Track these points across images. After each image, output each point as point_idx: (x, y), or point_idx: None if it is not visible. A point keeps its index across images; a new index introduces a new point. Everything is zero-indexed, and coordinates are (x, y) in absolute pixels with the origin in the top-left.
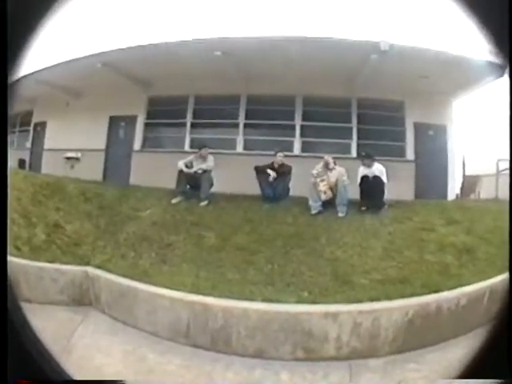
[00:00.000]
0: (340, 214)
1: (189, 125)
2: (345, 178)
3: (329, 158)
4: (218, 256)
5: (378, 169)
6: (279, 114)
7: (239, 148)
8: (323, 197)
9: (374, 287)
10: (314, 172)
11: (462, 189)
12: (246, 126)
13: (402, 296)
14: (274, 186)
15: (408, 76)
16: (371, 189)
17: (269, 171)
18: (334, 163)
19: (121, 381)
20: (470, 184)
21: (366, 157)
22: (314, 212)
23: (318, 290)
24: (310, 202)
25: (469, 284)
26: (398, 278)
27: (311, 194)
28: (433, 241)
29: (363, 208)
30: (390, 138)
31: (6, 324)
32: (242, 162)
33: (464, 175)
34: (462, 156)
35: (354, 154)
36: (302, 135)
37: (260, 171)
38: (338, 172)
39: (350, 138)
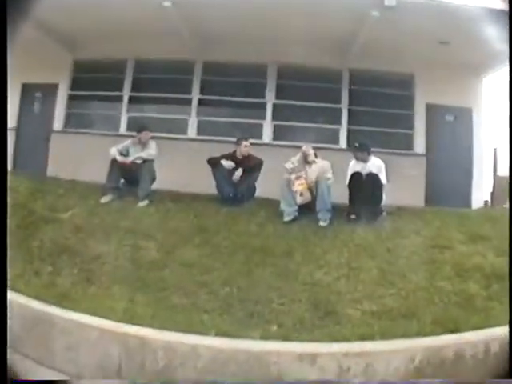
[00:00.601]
0: (322, 223)
1: (126, 99)
2: (329, 174)
3: (308, 148)
4: (160, 275)
5: (374, 164)
6: (245, 89)
7: (191, 132)
8: (299, 199)
9: (366, 321)
10: (289, 166)
11: (492, 194)
12: (200, 102)
13: (406, 335)
14: (236, 184)
15: (420, 41)
16: (364, 190)
17: (228, 164)
18: (316, 155)
19: (66, 380)
20: (503, 188)
21: (359, 148)
22: (287, 219)
23: (290, 323)
24: (282, 206)
25: (501, 323)
26: (400, 311)
27: (284, 196)
28: (449, 262)
29: (353, 216)
30: (393, 123)
31: (6, 324)
32: (195, 150)
33: (495, 176)
34: (494, 150)
35: (343, 143)
36: (274, 117)
37: (217, 164)
38: (321, 167)
39: (339, 122)
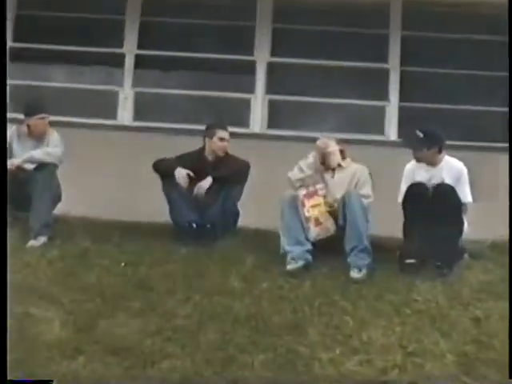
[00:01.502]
0: (354, 274)
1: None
2: (366, 188)
3: (328, 141)
4: (67, 370)
5: (449, 169)
6: (221, 38)
7: (124, 115)
8: (314, 232)
9: None
10: (295, 176)
11: None
12: (139, 62)
13: None
14: (203, 206)
15: None
16: (432, 214)
17: (184, 175)
18: (343, 154)
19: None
20: None
21: (422, 140)
22: (292, 267)
23: None
24: (286, 244)
25: None
26: None
27: (288, 226)
28: None
29: (410, 260)
30: (482, 97)
31: (6, 323)
32: (131, 146)
33: None
34: None
35: (391, 132)
36: (269, 88)
37: (170, 172)
38: (351, 175)
39: (384, 95)
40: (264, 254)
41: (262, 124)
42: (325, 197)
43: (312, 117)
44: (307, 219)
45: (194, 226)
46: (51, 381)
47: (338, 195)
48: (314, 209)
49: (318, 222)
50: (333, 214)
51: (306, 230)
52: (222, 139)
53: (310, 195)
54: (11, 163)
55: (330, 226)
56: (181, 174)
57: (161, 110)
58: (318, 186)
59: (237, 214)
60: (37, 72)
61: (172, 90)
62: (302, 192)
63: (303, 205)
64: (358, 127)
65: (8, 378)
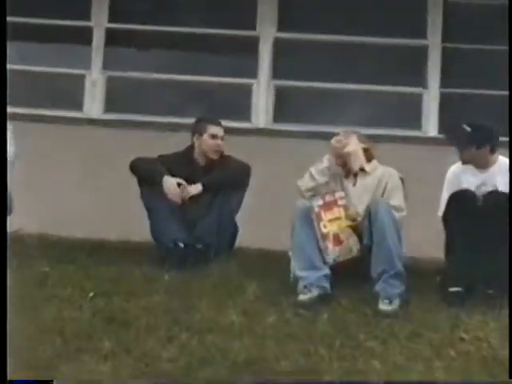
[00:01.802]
0: (384, 306)
1: None
2: (397, 198)
3: (347, 136)
4: None
5: (505, 173)
6: (212, 9)
7: (92, 106)
8: (333, 252)
9: None
10: (307, 184)
11: None
12: (111, 38)
13: None
14: (192, 220)
15: None
16: (483, 230)
17: (174, 186)
18: (368, 153)
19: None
20: None
21: (471, 137)
22: (305, 298)
23: None
24: (297, 269)
25: None
26: None
27: (300, 246)
28: None
29: (455, 289)
30: None
31: (6, 324)
32: (100, 144)
33: None
34: None
35: (430, 127)
36: (275, 72)
37: (150, 175)
38: (378, 180)
39: (421, 80)
40: (269, 280)
41: (267, 117)
42: (346, 208)
43: (329, 107)
44: (324, 237)
45: (181, 245)
46: (51, 381)
47: (361, 207)
48: (332, 223)
49: (337, 241)
50: (356, 229)
51: (322, 251)
52: (214, 136)
53: (327, 206)
54: None
55: (352, 245)
56: (170, 184)
57: (138, 100)
58: (338, 195)
59: (234, 230)
60: None
61: (152, 74)
62: (318, 202)
63: (319, 218)
64: (387, 120)
65: (8, 379)
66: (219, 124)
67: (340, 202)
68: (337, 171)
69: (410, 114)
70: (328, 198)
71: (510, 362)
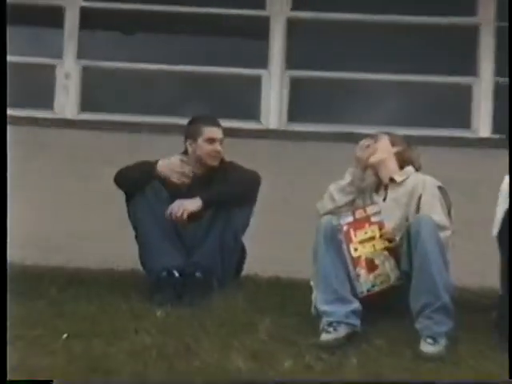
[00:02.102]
0: (428, 348)
1: None
2: (438, 215)
3: (374, 142)
4: None
5: None
6: None
7: (66, 104)
8: (367, 283)
9: None
10: (326, 206)
11: None
12: (86, 21)
13: None
14: (190, 243)
15: None
16: None
17: (164, 195)
18: (401, 156)
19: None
20: None
21: None
22: (329, 338)
23: None
24: (320, 301)
25: None
26: None
27: (325, 273)
28: None
29: None
30: None
31: (6, 324)
32: (75, 150)
33: None
34: None
35: (480, 125)
36: (289, 59)
37: (140, 190)
38: (409, 189)
39: (470, 67)
40: (284, 316)
41: (280, 116)
42: (381, 226)
43: (356, 103)
44: (355, 261)
45: (177, 274)
46: (51, 381)
47: (397, 222)
48: (365, 245)
49: (371, 266)
50: (393, 252)
51: (352, 279)
52: (211, 140)
53: (358, 224)
54: None
55: (390, 271)
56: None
57: (121, 96)
58: (371, 210)
59: (241, 254)
60: None
61: (139, 64)
62: (347, 219)
63: (349, 239)
64: (428, 118)
65: (8, 379)
66: (217, 124)
67: (373, 219)
68: (364, 185)
69: (456, 109)
70: (359, 215)
71: (510, 361)
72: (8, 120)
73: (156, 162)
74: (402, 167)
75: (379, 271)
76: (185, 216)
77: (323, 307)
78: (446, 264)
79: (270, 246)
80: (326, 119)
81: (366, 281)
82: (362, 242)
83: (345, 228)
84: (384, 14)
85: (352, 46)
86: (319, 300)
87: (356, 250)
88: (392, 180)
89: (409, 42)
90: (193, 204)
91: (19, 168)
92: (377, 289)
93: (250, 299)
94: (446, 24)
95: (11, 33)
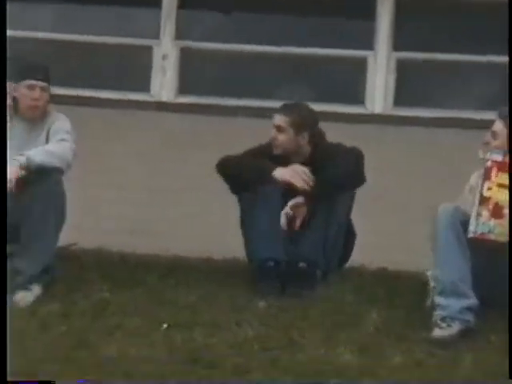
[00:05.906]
0: None
1: None
2: None
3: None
4: None
5: None
6: None
7: (162, 81)
8: (483, 225)
9: None
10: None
11: None
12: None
13: None
14: (292, 233)
15: None
16: None
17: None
18: None
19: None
20: None
21: None
22: (442, 334)
23: None
24: (439, 295)
25: None
26: None
27: (446, 261)
28: None
29: None
30: None
31: (6, 324)
32: (171, 134)
33: None
34: None
35: None
36: (399, 38)
37: (255, 175)
38: None
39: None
40: (393, 308)
41: (386, 100)
42: None
43: (473, 85)
44: (484, 201)
45: (272, 264)
46: (53, 382)
47: None
48: (501, 191)
49: (498, 213)
50: None
51: (471, 216)
52: (278, 127)
53: (503, 166)
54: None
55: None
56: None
57: (220, 78)
58: None
59: (349, 238)
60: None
61: (238, 45)
62: (495, 157)
63: (487, 176)
64: None
65: (8, 379)
66: (284, 112)
67: None
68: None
69: None
70: (506, 158)
71: (510, 361)
72: (102, 103)
73: (271, 166)
74: None
75: (502, 221)
76: (291, 214)
77: (438, 299)
78: None
79: (375, 236)
80: (433, 104)
81: (484, 223)
82: (499, 185)
83: (489, 164)
84: None
85: (465, 27)
86: (438, 291)
87: (490, 189)
88: None
89: None
90: (296, 202)
91: (113, 151)
92: (492, 237)
93: (355, 291)
94: None
95: (106, 13)
